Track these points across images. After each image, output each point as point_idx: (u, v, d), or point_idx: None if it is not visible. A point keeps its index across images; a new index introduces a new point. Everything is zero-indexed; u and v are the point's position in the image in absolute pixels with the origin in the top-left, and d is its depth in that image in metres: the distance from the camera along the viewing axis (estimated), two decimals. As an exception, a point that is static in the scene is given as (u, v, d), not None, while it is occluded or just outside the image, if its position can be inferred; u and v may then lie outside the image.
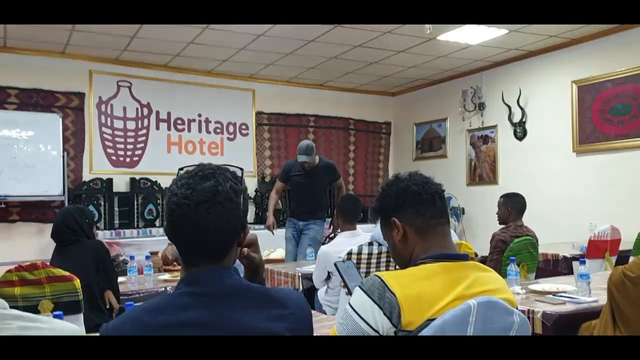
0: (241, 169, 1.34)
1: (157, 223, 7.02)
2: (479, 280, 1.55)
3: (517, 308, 1.58)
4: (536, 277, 4.12)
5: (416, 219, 1.63)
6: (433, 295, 1.47)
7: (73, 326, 1.25)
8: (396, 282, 1.46)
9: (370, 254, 3.56)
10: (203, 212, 1.20)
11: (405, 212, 1.65)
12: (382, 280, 1.47)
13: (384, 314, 1.43)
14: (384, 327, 1.43)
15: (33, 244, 6.23)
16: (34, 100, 6.49)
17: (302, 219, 5.59)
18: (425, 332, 1.40)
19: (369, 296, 1.46)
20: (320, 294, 3.94)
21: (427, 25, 4.86)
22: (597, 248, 4.55)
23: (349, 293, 2.21)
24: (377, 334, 1.44)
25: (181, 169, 1.32)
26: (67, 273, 2.80)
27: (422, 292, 1.46)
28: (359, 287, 1.51)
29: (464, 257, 1.60)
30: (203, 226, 1.20)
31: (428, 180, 1.69)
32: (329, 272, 3.74)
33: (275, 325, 1.21)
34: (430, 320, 1.43)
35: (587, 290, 2.93)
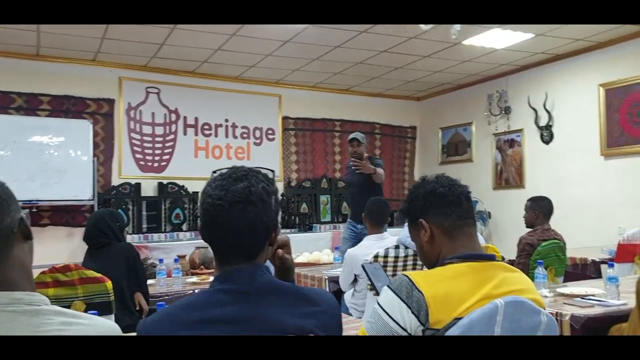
0: (272, 171, 1.38)
1: (184, 227, 7.11)
2: (506, 280, 1.57)
3: (544, 308, 1.59)
4: (564, 281, 4.09)
5: (443, 220, 1.66)
6: (460, 294, 1.49)
7: (112, 323, 1.29)
8: (424, 281, 1.49)
9: (396, 257, 3.57)
10: (237, 212, 1.24)
11: (432, 213, 1.67)
12: (409, 279, 1.50)
13: (412, 312, 1.46)
14: (412, 325, 1.46)
15: (63, 247, 6.35)
16: (65, 106, 6.64)
17: (360, 222, 5.24)
18: (452, 331, 1.43)
19: (397, 295, 1.49)
20: (347, 297, 3.96)
21: (452, 30, 4.85)
22: (626, 252, 4.49)
23: (377, 294, 2.23)
24: (405, 332, 1.47)
25: (215, 171, 1.36)
26: (99, 275, 2.88)
27: (450, 292, 1.48)
28: (387, 286, 1.54)
29: (491, 258, 1.62)
30: (236, 225, 1.24)
31: (454, 182, 1.71)
32: (355, 275, 3.76)
33: (305, 322, 1.24)
34: (458, 319, 1.45)
35: (616, 293, 2.91)
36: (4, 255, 1.20)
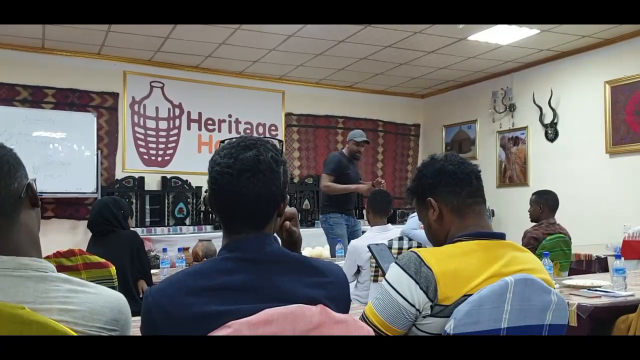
0: (281, 141, 1.36)
1: (187, 222, 7.10)
2: (516, 259, 1.55)
3: (554, 288, 1.57)
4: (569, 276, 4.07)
5: (452, 199, 1.64)
6: (469, 271, 1.47)
7: (118, 294, 1.27)
8: (432, 258, 1.47)
9: (400, 248, 3.56)
10: (245, 181, 1.22)
11: (441, 191, 1.65)
12: (418, 255, 1.48)
13: (420, 288, 1.44)
14: (420, 301, 1.44)
15: (67, 239, 6.33)
16: (69, 99, 6.64)
17: (351, 215, 5.60)
18: (462, 307, 1.41)
19: (405, 271, 1.47)
20: (350, 288, 3.94)
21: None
22: (631, 249, 4.48)
23: (384, 274, 2.22)
24: (413, 309, 1.45)
25: (222, 141, 1.34)
26: (103, 260, 2.87)
27: (459, 268, 1.47)
28: (395, 262, 1.52)
29: (501, 236, 1.60)
30: (245, 194, 1.23)
31: (464, 161, 1.70)
32: (358, 267, 3.75)
33: (315, 292, 1.22)
34: (467, 295, 1.43)
35: (623, 284, 2.89)
36: (12, 221, 1.19)
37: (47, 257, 2.82)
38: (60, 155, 6.27)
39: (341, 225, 5.46)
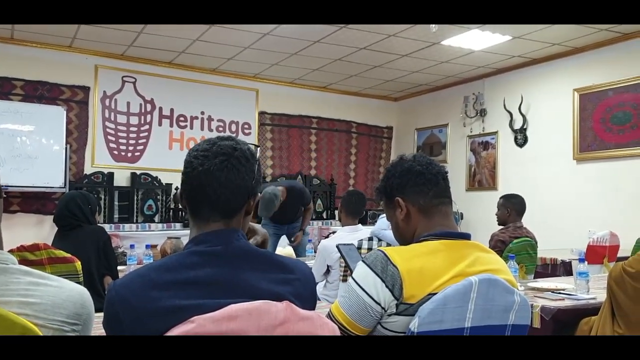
0: (256, 146, 1.38)
1: (156, 219, 7.03)
2: (481, 259, 1.58)
3: (517, 289, 1.60)
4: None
5: (419, 199, 1.66)
6: (435, 270, 1.49)
7: (81, 287, 1.25)
8: (399, 256, 1.49)
9: (369, 248, 3.56)
10: (219, 163, 1.25)
11: (408, 191, 1.67)
12: (385, 254, 1.49)
13: (386, 286, 1.45)
14: (386, 299, 1.45)
15: (32, 235, 6.20)
16: (39, 92, 6.52)
17: (284, 223, 5.69)
18: (426, 306, 1.42)
19: (371, 269, 1.49)
20: (319, 288, 3.95)
21: (432, 24, 4.90)
22: (595, 253, 4.56)
23: (352, 274, 2.23)
24: (379, 307, 1.46)
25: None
26: (68, 255, 2.82)
27: (424, 267, 1.48)
28: (362, 261, 1.53)
29: (466, 236, 1.63)
30: (217, 177, 1.24)
31: (432, 161, 1.72)
32: (328, 266, 3.76)
33: (281, 289, 1.22)
34: (432, 294, 1.45)
35: (585, 288, 2.96)
36: None
37: (11, 251, 2.76)
38: (27, 148, 6.15)
39: (267, 227, 5.54)
